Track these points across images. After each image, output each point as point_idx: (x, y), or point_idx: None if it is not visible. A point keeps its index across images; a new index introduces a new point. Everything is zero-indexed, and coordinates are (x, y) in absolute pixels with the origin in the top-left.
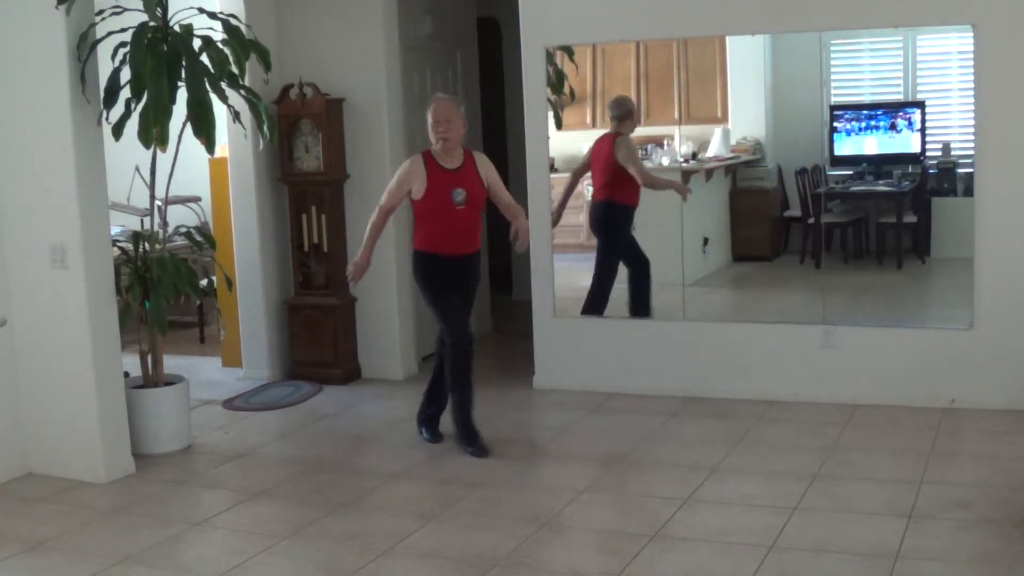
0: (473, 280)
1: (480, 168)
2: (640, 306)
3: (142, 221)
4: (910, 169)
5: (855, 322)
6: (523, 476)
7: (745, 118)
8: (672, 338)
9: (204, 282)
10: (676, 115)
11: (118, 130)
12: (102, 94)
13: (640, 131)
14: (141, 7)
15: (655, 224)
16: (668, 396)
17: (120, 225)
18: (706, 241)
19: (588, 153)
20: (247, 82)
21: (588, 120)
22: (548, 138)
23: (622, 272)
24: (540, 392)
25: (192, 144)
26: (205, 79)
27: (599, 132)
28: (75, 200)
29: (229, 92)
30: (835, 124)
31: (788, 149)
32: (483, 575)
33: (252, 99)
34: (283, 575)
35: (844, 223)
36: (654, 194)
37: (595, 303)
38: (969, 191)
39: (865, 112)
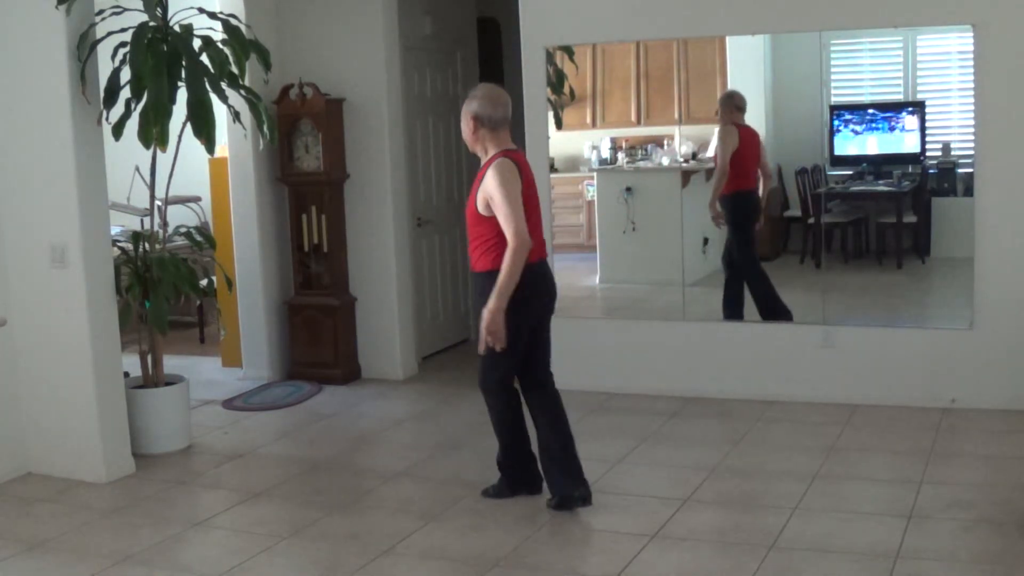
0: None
1: (485, 177)
2: (736, 306)
3: (142, 221)
4: (910, 169)
5: (855, 322)
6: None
7: (745, 118)
8: (672, 338)
9: (204, 282)
10: (676, 115)
11: (118, 130)
12: (102, 94)
13: (640, 131)
14: (141, 7)
15: (655, 224)
16: (668, 396)
17: (120, 225)
18: (706, 241)
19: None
20: (247, 82)
21: (588, 120)
22: (548, 138)
23: (623, 272)
24: None
25: (192, 144)
26: (205, 79)
27: (599, 132)
28: (75, 200)
29: (229, 92)
30: (835, 124)
31: (788, 149)
32: (483, 575)
33: (252, 99)
34: (283, 575)
35: (844, 223)
36: (655, 195)
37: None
38: (969, 191)
39: (865, 112)
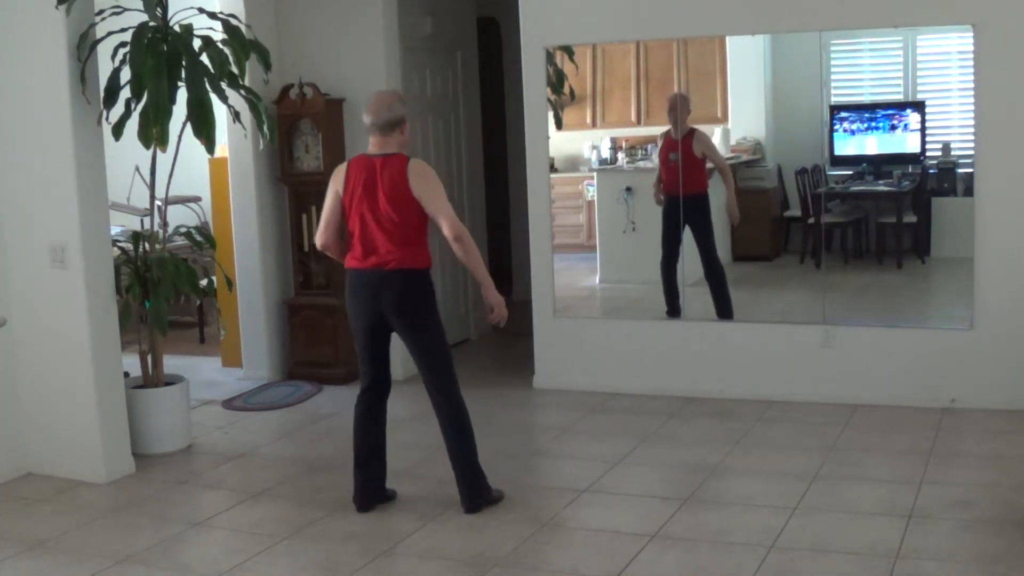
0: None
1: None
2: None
3: (142, 221)
4: (910, 169)
5: (855, 322)
6: (523, 476)
7: (745, 118)
8: (672, 338)
9: (204, 282)
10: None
11: (118, 130)
12: (102, 94)
13: (640, 131)
14: (141, 7)
15: (655, 224)
16: (668, 396)
17: (120, 225)
18: None
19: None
20: (247, 82)
21: (588, 120)
22: (548, 138)
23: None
24: (540, 392)
25: (192, 144)
26: (205, 79)
27: (599, 132)
28: (75, 200)
29: (229, 92)
30: (835, 124)
31: (788, 149)
32: (483, 575)
33: (252, 99)
34: (283, 575)
35: (844, 223)
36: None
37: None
38: (969, 191)
39: (865, 112)
